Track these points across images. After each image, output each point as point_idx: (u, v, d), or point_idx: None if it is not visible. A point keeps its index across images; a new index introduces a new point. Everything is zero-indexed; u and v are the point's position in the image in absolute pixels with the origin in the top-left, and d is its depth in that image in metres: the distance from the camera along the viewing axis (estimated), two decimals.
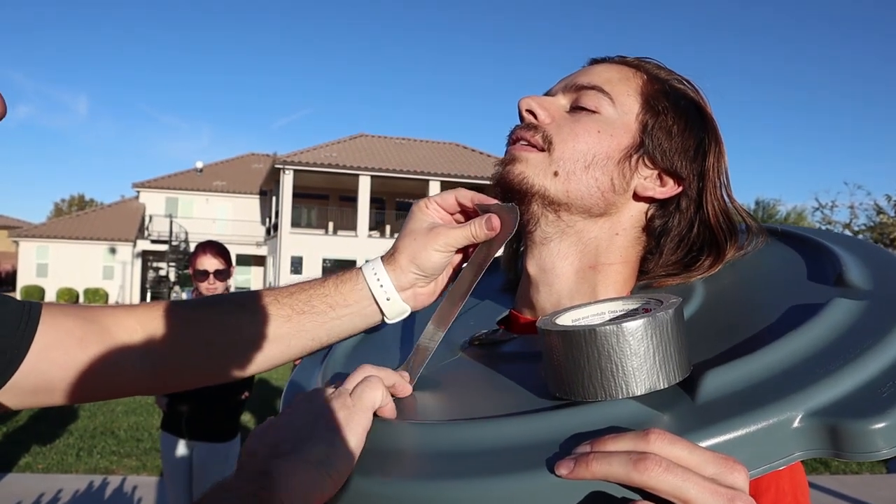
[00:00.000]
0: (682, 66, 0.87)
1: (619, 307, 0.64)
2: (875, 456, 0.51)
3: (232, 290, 3.82)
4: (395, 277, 0.80)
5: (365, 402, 0.65)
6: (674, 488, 0.48)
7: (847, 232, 14.67)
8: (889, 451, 0.51)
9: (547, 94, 0.88)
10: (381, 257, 0.83)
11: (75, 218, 37.62)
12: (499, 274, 1.01)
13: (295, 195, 29.95)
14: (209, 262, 3.53)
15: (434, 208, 0.82)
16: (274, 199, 32.44)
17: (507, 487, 0.53)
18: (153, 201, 37.77)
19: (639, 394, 0.57)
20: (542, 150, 0.82)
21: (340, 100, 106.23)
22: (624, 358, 0.56)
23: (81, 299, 33.47)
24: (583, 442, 0.54)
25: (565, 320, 0.64)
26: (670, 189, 0.83)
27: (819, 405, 0.54)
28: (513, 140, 0.85)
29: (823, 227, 25.87)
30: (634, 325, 0.56)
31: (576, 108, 0.84)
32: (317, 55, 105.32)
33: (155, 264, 36.64)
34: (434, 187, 29.34)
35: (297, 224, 31.27)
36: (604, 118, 0.82)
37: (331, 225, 32.98)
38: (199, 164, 40.23)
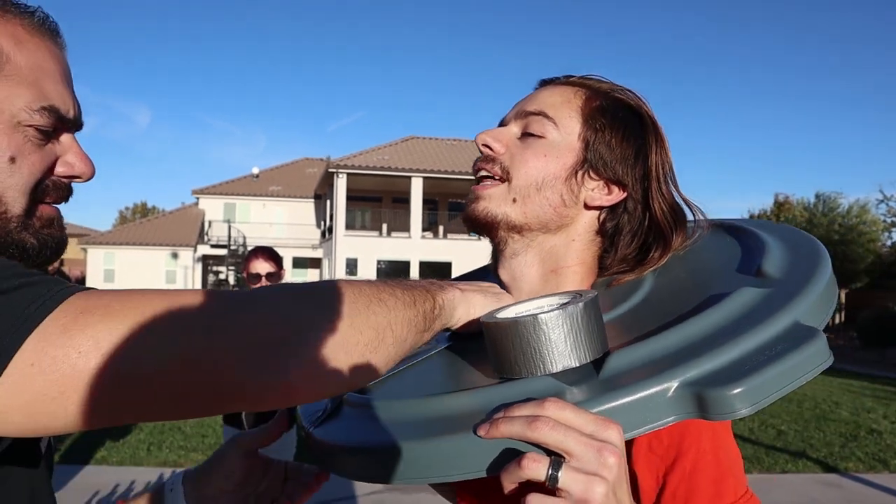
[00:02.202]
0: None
1: (556, 301, 0.76)
2: (734, 415, 0.61)
3: None
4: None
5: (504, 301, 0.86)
6: (557, 442, 0.61)
7: None
8: (747, 411, 0.61)
9: (502, 122, 0.99)
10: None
11: (139, 225, 38.90)
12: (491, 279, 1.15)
13: (349, 198, 30.41)
14: (261, 266, 3.76)
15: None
16: (328, 202, 32.97)
17: (446, 446, 0.67)
18: (212, 207, 38.83)
19: (554, 371, 0.70)
20: (503, 179, 0.93)
21: (392, 102, 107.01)
22: (539, 343, 0.69)
23: None
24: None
25: (510, 313, 0.76)
26: (616, 195, 0.93)
27: (692, 378, 0.64)
28: (475, 170, 0.97)
29: (889, 220, 25.13)
30: (547, 316, 0.69)
31: (525, 135, 0.94)
32: (369, 58, 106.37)
33: (215, 268, 37.59)
34: None
35: (351, 226, 31.75)
36: (549, 142, 0.92)
37: (384, 227, 33.34)
38: (256, 170, 41.17)
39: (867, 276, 25.53)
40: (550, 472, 0.60)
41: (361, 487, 5.58)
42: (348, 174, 29.83)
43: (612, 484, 0.60)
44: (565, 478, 0.60)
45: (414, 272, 29.35)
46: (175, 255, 35.71)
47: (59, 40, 0.82)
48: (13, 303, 0.55)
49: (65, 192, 0.81)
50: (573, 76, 0.99)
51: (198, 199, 39.66)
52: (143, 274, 34.67)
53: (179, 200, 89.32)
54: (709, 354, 0.66)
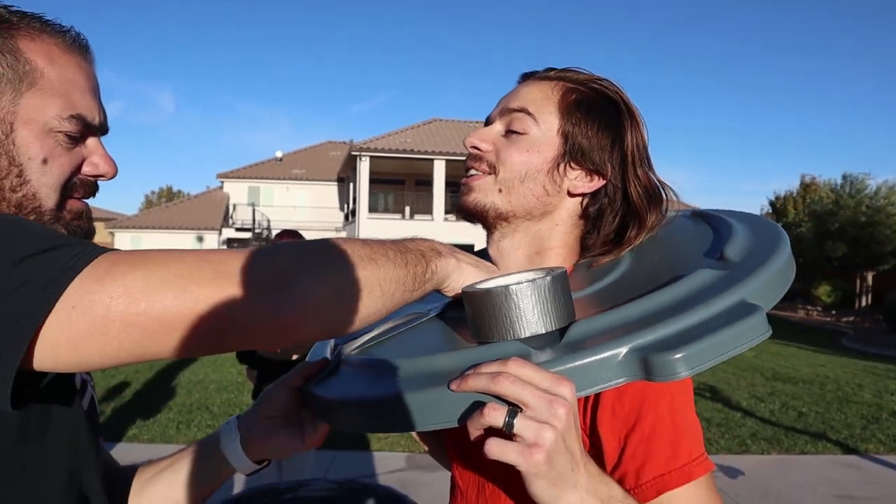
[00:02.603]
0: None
1: (532, 276, 0.84)
2: (675, 377, 0.70)
3: None
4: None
5: (493, 272, 0.94)
6: (515, 394, 0.69)
7: None
8: (688, 373, 0.69)
9: (488, 119, 1.07)
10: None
11: (165, 209, 39.37)
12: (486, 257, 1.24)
13: (371, 181, 30.50)
14: None
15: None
16: (351, 185, 33.11)
17: (424, 399, 0.77)
18: (236, 191, 39.11)
19: (523, 336, 0.78)
20: (491, 172, 1.01)
21: (415, 85, 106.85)
22: (509, 311, 0.78)
23: None
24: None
25: (489, 284, 0.84)
26: (597, 182, 1.01)
27: (640, 345, 0.72)
28: (466, 168, 1.06)
29: None
30: (517, 287, 0.78)
31: (509, 132, 1.02)
32: (394, 41, 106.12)
33: None
34: None
35: (374, 209, 31.90)
36: (531, 138, 1.00)
37: (407, 209, 33.40)
38: (279, 154, 41.39)
39: (894, 258, 25.16)
40: (507, 419, 0.68)
41: (384, 466, 5.72)
42: (371, 157, 29.91)
43: (561, 432, 0.69)
44: (520, 425, 0.68)
45: None
46: (200, 239, 36.06)
47: (89, 56, 0.93)
48: (58, 257, 0.66)
49: (91, 189, 0.93)
50: (553, 69, 1.06)
51: (222, 182, 39.99)
52: None
53: (204, 184, 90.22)
54: (657, 325, 0.74)
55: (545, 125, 1.00)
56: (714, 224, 1.03)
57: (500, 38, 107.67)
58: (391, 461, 5.86)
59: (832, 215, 25.91)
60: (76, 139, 0.88)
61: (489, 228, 1.06)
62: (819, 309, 26.35)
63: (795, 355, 13.20)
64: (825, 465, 6.08)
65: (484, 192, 1.02)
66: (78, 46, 0.91)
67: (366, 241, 0.83)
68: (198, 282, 0.69)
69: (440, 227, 29.52)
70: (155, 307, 0.66)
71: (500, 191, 1.01)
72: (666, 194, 1.03)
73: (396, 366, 0.85)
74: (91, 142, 0.92)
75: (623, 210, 1.01)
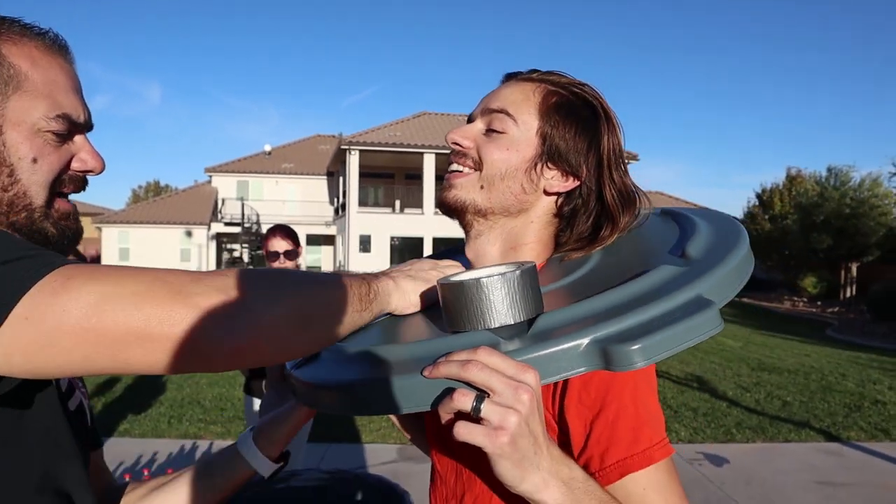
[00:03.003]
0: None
1: (503, 270, 0.90)
2: (632, 367, 0.74)
3: (303, 269, 4.19)
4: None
5: (445, 271, 1.01)
6: (482, 380, 0.74)
7: None
8: (644, 363, 0.74)
9: (470, 117, 1.12)
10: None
11: (152, 203, 39.07)
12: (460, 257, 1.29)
13: (361, 175, 30.46)
14: (279, 244, 3.94)
15: None
16: (341, 179, 33.07)
17: (401, 383, 0.81)
18: (225, 185, 38.98)
19: (493, 327, 0.82)
20: (475, 168, 1.06)
21: (405, 78, 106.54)
22: (480, 302, 0.82)
23: None
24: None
25: (462, 277, 0.88)
26: (571, 183, 1.05)
27: (600, 336, 0.77)
28: (449, 163, 1.10)
29: None
30: (488, 280, 0.82)
31: (490, 131, 1.06)
32: (383, 33, 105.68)
33: (229, 246, 37.86)
34: None
35: (364, 203, 31.83)
36: (510, 137, 1.04)
37: (397, 203, 33.38)
38: (268, 147, 41.24)
39: (878, 249, 25.41)
40: (475, 404, 0.73)
41: (375, 457, 5.79)
42: (361, 151, 29.89)
43: (525, 416, 0.74)
44: (486, 409, 0.73)
45: (427, 248, 29.53)
46: (189, 234, 35.90)
47: (69, 55, 0.97)
48: (15, 269, 0.69)
49: (81, 184, 0.97)
50: (535, 71, 1.10)
51: (211, 177, 39.80)
52: (158, 252, 34.92)
53: (192, 178, 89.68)
54: (617, 318, 0.79)
55: (524, 126, 1.04)
56: (680, 222, 1.09)
57: (491, 32, 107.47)
58: (383, 453, 5.92)
59: (817, 207, 26.12)
60: (63, 137, 0.92)
61: (466, 225, 1.10)
62: (805, 300, 26.54)
63: (781, 346, 13.36)
64: (808, 453, 6.20)
65: (466, 189, 1.07)
66: (58, 47, 0.95)
67: (311, 272, 0.87)
68: (152, 301, 0.70)
69: (430, 220, 29.53)
70: (105, 322, 0.68)
71: (481, 188, 1.05)
72: (639, 198, 1.08)
73: (374, 352, 0.90)
74: (78, 139, 0.96)
75: (597, 210, 1.06)
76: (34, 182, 0.89)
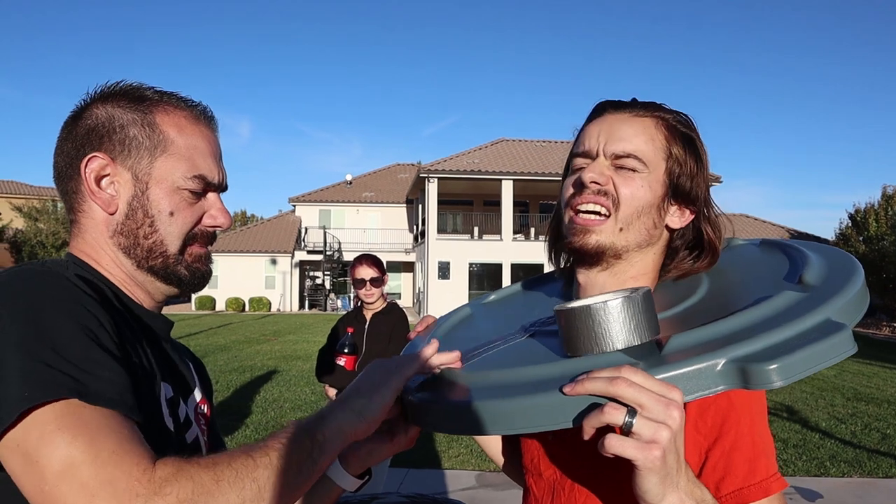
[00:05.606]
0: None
1: (618, 295, 0.91)
2: (771, 386, 0.76)
3: (384, 293, 4.32)
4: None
5: (403, 371, 0.98)
6: (633, 396, 0.74)
7: None
8: (782, 383, 0.75)
9: (587, 152, 1.10)
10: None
11: (239, 233, 40.45)
12: (556, 283, 1.31)
13: (440, 202, 30.81)
14: (366, 272, 4.13)
15: None
16: (420, 206, 33.46)
17: (535, 402, 0.83)
18: (308, 214, 40.11)
19: (620, 348, 0.85)
20: (609, 213, 1.06)
21: (484, 105, 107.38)
22: (607, 324, 0.85)
23: (247, 307, 36.01)
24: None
25: (582, 303, 0.90)
26: (687, 218, 1.10)
27: (737, 356, 0.78)
28: (584, 202, 1.07)
29: None
30: (614, 303, 0.85)
31: (619, 168, 1.07)
32: (464, 63, 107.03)
33: (311, 273, 38.70)
34: None
35: (443, 230, 32.13)
36: (643, 176, 1.06)
37: (476, 230, 33.46)
38: (349, 177, 42.23)
39: None
40: (626, 419, 0.74)
41: (455, 483, 5.78)
42: (439, 178, 30.20)
43: (675, 432, 0.75)
44: (638, 424, 0.74)
45: (506, 274, 29.52)
46: (274, 262, 37.01)
47: (213, 124, 1.11)
48: (10, 386, 0.74)
49: (210, 238, 1.10)
50: (640, 103, 1.11)
51: (294, 206, 41.04)
52: (245, 280, 36.17)
53: (277, 208, 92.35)
54: (751, 339, 0.80)
55: (653, 165, 1.07)
56: (788, 252, 1.10)
57: (569, 56, 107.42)
58: (462, 479, 5.92)
59: None
60: (198, 195, 1.05)
61: (597, 264, 1.09)
62: None
63: (879, 374, 12.68)
64: None
65: (606, 234, 1.06)
66: (204, 118, 1.09)
67: (265, 445, 0.86)
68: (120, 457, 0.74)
69: (508, 246, 29.51)
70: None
71: (620, 230, 1.06)
72: (724, 227, 1.11)
73: (497, 375, 0.93)
74: (211, 196, 1.08)
75: (696, 239, 1.10)
76: (170, 233, 1.03)
